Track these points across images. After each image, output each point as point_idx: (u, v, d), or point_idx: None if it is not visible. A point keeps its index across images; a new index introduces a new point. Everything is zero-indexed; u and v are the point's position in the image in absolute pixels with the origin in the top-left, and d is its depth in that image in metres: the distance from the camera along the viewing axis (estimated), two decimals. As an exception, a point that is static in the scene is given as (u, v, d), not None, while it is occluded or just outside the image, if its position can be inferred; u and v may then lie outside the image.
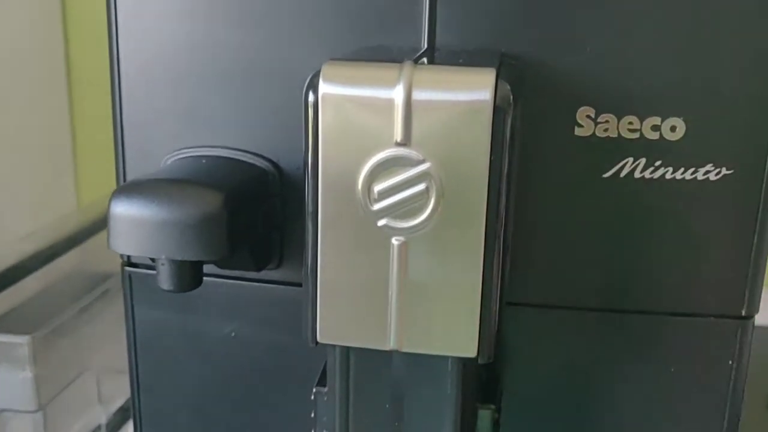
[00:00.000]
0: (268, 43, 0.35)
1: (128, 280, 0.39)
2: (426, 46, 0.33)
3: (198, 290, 0.38)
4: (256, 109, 0.35)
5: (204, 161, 0.35)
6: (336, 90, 0.28)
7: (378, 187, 0.28)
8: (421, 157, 0.27)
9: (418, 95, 0.27)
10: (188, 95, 0.36)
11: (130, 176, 0.37)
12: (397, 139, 0.27)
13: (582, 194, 0.34)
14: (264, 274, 0.37)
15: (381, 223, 0.28)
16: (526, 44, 0.32)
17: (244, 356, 0.38)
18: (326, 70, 0.28)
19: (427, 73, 0.28)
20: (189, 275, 0.32)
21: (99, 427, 0.58)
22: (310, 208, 0.29)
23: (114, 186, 0.78)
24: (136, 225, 0.30)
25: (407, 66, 0.28)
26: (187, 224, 0.30)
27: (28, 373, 0.48)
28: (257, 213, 0.34)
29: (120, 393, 0.62)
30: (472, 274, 0.28)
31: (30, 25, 0.80)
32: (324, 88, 0.28)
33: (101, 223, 0.73)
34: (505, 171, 0.28)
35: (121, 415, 0.62)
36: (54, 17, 0.83)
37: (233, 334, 0.38)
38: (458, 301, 0.29)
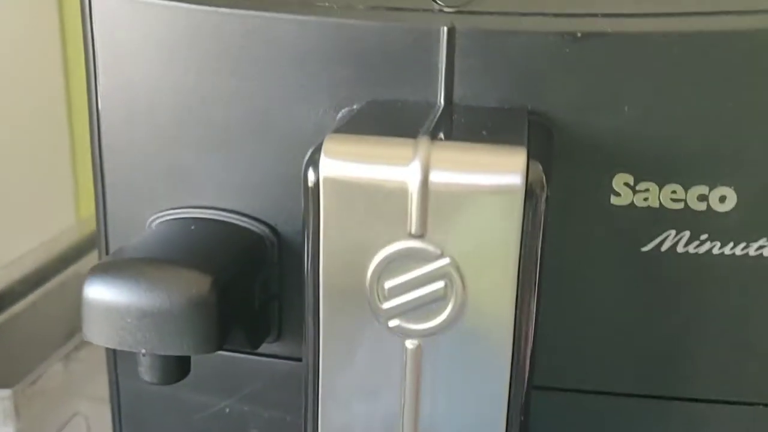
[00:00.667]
0: (266, 93, 0.31)
1: (112, 351, 0.35)
2: (443, 101, 0.29)
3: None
4: (252, 168, 0.32)
5: (193, 227, 0.31)
6: (340, 170, 0.24)
7: (389, 284, 0.24)
8: (438, 251, 0.24)
9: (436, 177, 0.23)
10: (176, 151, 0.32)
11: (113, 241, 0.34)
12: (411, 230, 0.24)
13: (618, 269, 0.30)
14: (262, 347, 0.33)
15: (392, 323, 0.24)
16: (556, 101, 0.29)
17: (239, 434, 0.35)
18: (328, 144, 0.24)
19: (447, 151, 0.24)
20: (175, 367, 0.28)
21: (90, 473, 0.55)
22: (311, 303, 0.25)
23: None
24: (112, 314, 0.27)
25: (423, 141, 0.24)
26: (171, 314, 0.26)
27: (10, 429, 0.45)
28: (253, 286, 0.31)
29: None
30: (497, 382, 0.25)
31: (27, 31, 0.77)
32: (326, 167, 0.24)
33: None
34: (538, 264, 0.24)
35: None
36: (52, 23, 0.80)
37: (227, 409, 0.35)
38: (480, 412, 0.25)
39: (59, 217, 0.83)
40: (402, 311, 0.24)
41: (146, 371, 0.28)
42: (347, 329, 0.25)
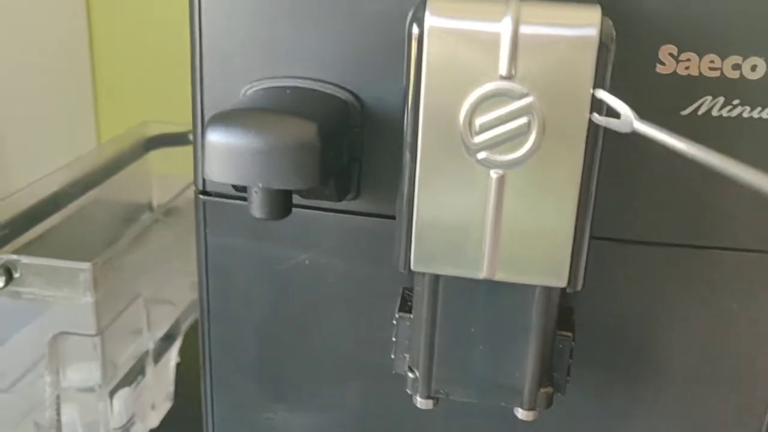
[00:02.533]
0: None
1: (202, 208, 0.40)
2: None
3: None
4: (337, 41, 0.36)
5: (288, 92, 0.35)
6: (442, 23, 0.28)
7: (480, 120, 0.29)
8: (524, 91, 0.28)
9: (524, 29, 0.28)
10: (268, 25, 0.36)
11: (208, 106, 0.38)
12: (502, 73, 0.28)
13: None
14: (341, 204, 0.38)
15: (481, 155, 0.29)
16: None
17: (317, 283, 0.40)
18: (432, 2, 0.28)
19: (534, 7, 0.28)
20: (281, 203, 0.33)
21: (147, 352, 0.60)
22: (409, 138, 0.30)
23: (134, 121, 0.78)
24: (233, 153, 0.31)
25: (513, 1, 0.28)
26: (284, 153, 0.31)
27: (89, 298, 0.49)
28: (342, 144, 0.35)
29: (164, 321, 0.64)
30: (567, 207, 0.29)
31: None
32: (430, 20, 0.28)
33: (125, 159, 0.74)
34: (605, 106, 0.29)
35: (165, 342, 0.64)
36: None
37: (307, 261, 0.39)
38: (552, 233, 0.30)
39: (81, 145, 0.86)
40: (490, 144, 0.29)
41: (257, 207, 0.33)
42: (442, 162, 0.29)
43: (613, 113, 0.28)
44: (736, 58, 0.33)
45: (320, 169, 0.32)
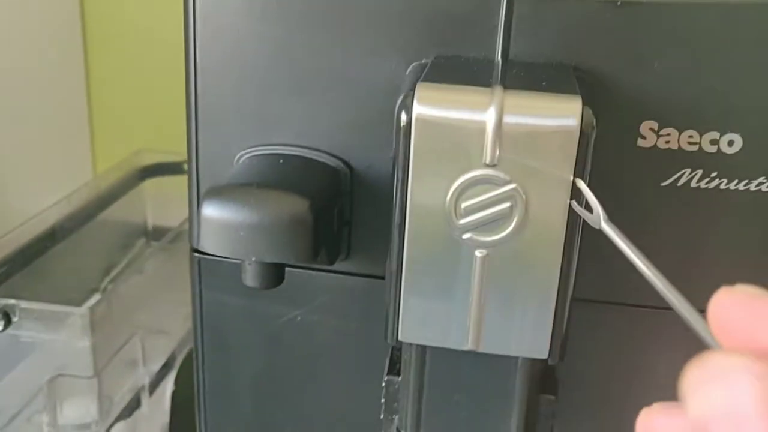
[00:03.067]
0: (345, 48, 0.36)
1: (197, 266, 0.41)
2: (500, 57, 0.34)
3: (266, 277, 0.40)
4: (329, 111, 0.37)
5: (281, 161, 0.37)
6: (429, 112, 0.29)
7: (465, 204, 0.30)
8: (507, 178, 0.29)
9: (509, 119, 0.29)
10: (263, 94, 0.37)
11: (203, 171, 0.39)
12: (486, 161, 0.29)
13: (641, 202, 0.36)
14: (331, 265, 0.39)
15: (466, 236, 0.30)
16: (597, 59, 0.34)
17: (309, 338, 0.41)
18: (420, 92, 0.30)
19: (518, 98, 0.29)
20: (274, 274, 0.34)
21: (143, 387, 0.61)
22: (397, 219, 0.31)
23: (128, 151, 0.78)
24: (228, 228, 0.32)
25: (498, 91, 0.29)
26: (278, 229, 0.32)
27: (86, 342, 0.50)
28: (333, 212, 0.36)
29: (159, 353, 0.65)
30: (548, 285, 0.31)
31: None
32: (418, 109, 0.29)
33: (120, 189, 0.75)
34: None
35: (161, 372, 0.65)
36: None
37: (299, 318, 0.41)
38: (533, 308, 0.31)
39: (77, 174, 0.86)
40: (474, 226, 0.30)
41: (251, 278, 0.34)
42: (428, 241, 0.31)
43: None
44: (713, 134, 0.34)
45: (313, 243, 0.33)
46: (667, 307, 0.37)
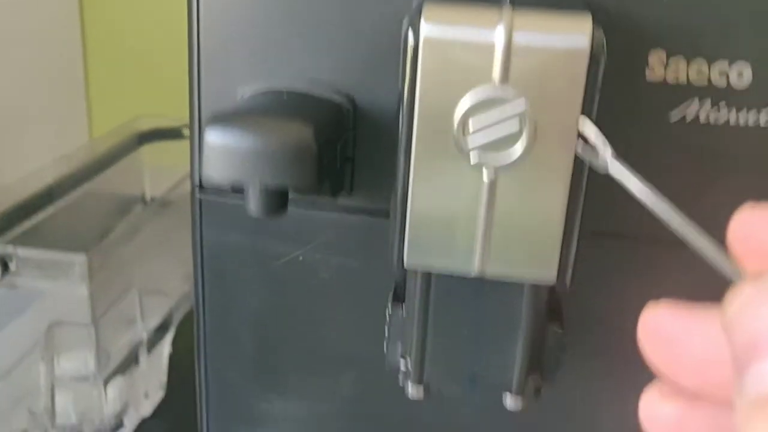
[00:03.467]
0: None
1: (198, 205, 0.41)
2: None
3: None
4: (332, 46, 0.36)
5: (285, 96, 0.36)
6: (437, 31, 0.29)
7: (473, 123, 0.29)
8: (517, 96, 0.29)
9: (518, 37, 0.29)
10: (264, 30, 0.37)
11: (205, 105, 0.39)
12: (495, 79, 0.29)
13: (649, 137, 0.35)
14: (334, 202, 0.39)
15: (474, 157, 0.30)
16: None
17: (311, 278, 0.40)
18: (427, 11, 0.29)
19: (528, 16, 0.29)
20: (278, 202, 0.33)
21: (140, 342, 0.61)
22: (403, 140, 0.31)
23: (126, 118, 0.78)
24: (232, 154, 0.32)
25: (507, 9, 0.29)
26: (283, 152, 0.32)
27: (84, 289, 0.50)
28: (336, 146, 0.36)
29: (157, 311, 0.64)
30: (557, 207, 0.30)
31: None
32: (425, 28, 0.29)
33: (119, 152, 0.75)
34: (594, 113, 0.30)
35: (158, 333, 0.65)
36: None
37: (301, 257, 0.40)
38: (541, 231, 0.31)
39: (72, 137, 0.86)
40: (483, 147, 0.30)
41: (255, 206, 0.33)
42: (435, 163, 0.30)
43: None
44: (722, 63, 0.34)
45: (316, 169, 0.33)
46: (678, 242, 0.37)
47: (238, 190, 0.37)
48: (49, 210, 0.63)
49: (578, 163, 0.30)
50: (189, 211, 0.41)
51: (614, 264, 0.38)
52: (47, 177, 0.65)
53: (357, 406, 0.43)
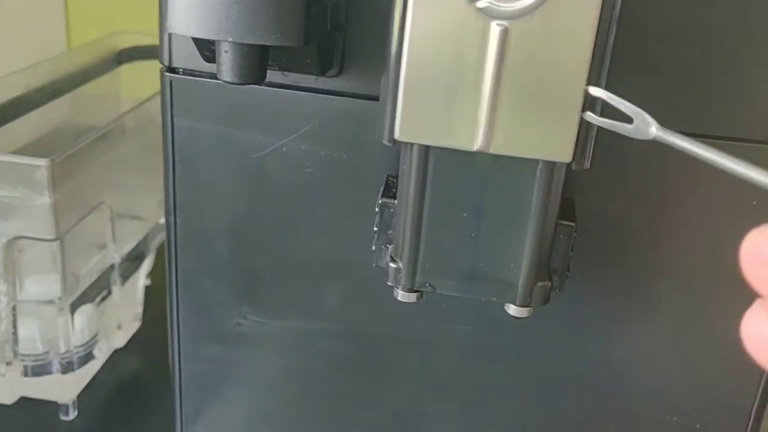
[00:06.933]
0: None
1: (168, 87, 0.36)
2: None
3: (247, 100, 0.35)
4: None
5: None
6: None
7: (484, -39, 0.25)
8: (536, -74, 0.25)
9: None
10: None
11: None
12: None
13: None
14: (322, 83, 0.34)
15: (482, 3, 0.25)
16: None
17: (295, 173, 0.36)
18: None
19: None
20: (255, 64, 0.29)
21: (112, 267, 0.56)
22: (402, -16, 0.26)
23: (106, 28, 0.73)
24: (202, 1, 0.27)
25: None
26: (263, 3, 0.27)
27: (46, 199, 0.46)
28: (326, 6, 0.31)
29: (131, 236, 0.60)
30: (578, 68, 0.26)
31: None
32: None
33: (96, 70, 0.70)
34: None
35: (134, 262, 0.60)
36: None
37: (284, 149, 0.36)
38: (559, 98, 0.26)
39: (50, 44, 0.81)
40: (494, -11, 0.25)
41: (227, 69, 0.29)
42: (436, 9, 0.26)
43: None
44: None
45: (301, 23, 0.28)
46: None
47: (210, 59, 0.32)
48: (20, 120, 0.58)
49: (606, 14, 0.26)
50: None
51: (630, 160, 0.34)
52: (17, 87, 0.60)
53: (343, 323, 0.39)
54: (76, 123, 0.68)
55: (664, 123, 0.24)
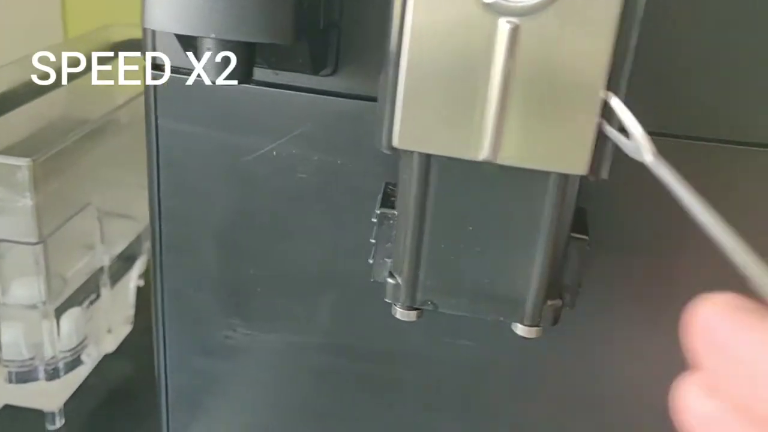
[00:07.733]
0: None
1: (152, 88, 0.34)
2: None
3: (235, 100, 0.33)
4: None
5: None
6: None
7: (492, -49, 0.23)
8: None
9: None
10: None
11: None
12: None
13: None
14: (315, 82, 0.32)
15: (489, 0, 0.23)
16: None
17: (286, 178, 0.34)
18: None
19: None
20: (242, 62, 0.26)
21: (101, 270, 0.54)
22: (401, -22, 0.24)
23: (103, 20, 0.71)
24: (181, -6, 0.25)
25: None
26: (247, -3, 0.25)
27: (28, 201, 0.43)
28: (318, 3, 0.29)
29: (122, 237, 0.58)
30: (595, 72, 0.23)
31: None
32: None
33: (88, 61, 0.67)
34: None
35: (124, 261, 0.58)
36: None
37: (274, 152, 0.33)
38: (573, 105, 0.24)
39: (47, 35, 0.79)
40: (503, -17, 0.23)
41: (210, 68, 0.26)
42: (438, 7, 0.23)
43: None
44: None
45: (293, 19, 0.26)
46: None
47: (189, 46, 0.30)
48: (9, 115, 0.56)
49: (629, 11, 0.23)
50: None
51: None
52: (7, 82, 0.57)
53: (336, 337, 0.36)
54: (72, 118, 0.66)
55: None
